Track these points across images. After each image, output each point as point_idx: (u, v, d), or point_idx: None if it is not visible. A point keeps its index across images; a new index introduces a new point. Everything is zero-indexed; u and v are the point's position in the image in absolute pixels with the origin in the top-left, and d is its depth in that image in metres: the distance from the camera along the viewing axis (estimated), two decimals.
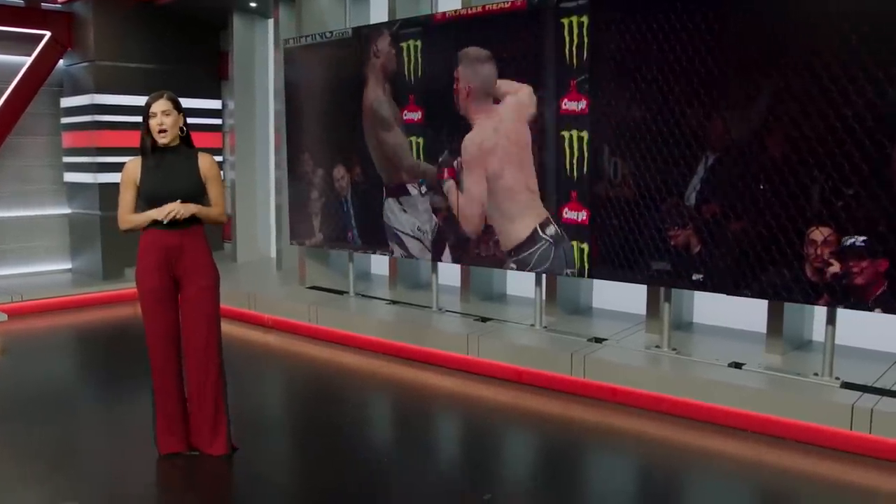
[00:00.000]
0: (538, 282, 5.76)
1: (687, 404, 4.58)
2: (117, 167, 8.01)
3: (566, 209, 5.21)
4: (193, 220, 3.76)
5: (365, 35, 6.38)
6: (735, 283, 4.57)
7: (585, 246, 5.16)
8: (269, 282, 8.00)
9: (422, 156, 6.03)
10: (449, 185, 5.87)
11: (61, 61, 8.71)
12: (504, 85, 5.47)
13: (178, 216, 3.66)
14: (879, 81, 3.93)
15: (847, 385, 4.38)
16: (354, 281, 7.13)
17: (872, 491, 3.78)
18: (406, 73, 6.06)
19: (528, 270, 5.56)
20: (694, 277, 4.73)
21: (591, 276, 5.19)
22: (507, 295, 6.83)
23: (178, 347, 3.86)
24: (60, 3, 8.54)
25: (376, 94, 6.34)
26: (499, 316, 6.10)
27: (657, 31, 4.66)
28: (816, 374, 4.52)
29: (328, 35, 6.69)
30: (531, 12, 5.25)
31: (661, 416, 4.61)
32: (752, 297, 4.62)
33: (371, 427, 4.84)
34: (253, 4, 8.60)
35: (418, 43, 5.93)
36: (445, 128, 5.84)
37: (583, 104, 5.03)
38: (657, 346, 5.16)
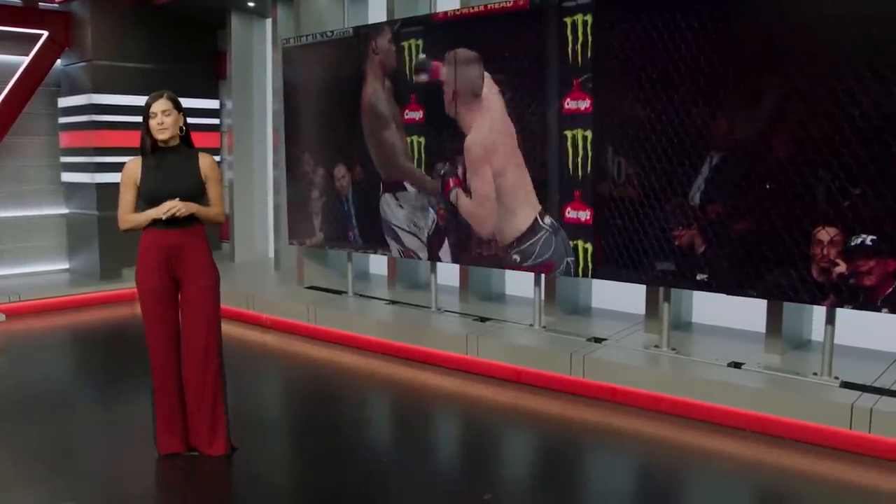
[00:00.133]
0: (537, 281, 5.76)
1: (686, 404, 4.58)
2: (115, 167, 8.13)
3: (569, 208, 5.20)
4: (194, 219, 3.76)
5: (364, 34, 6.38)
6: (739, 283, 4.55)
7: (589, 246, 5.14)
8: (267, 282, 7.99)
9: (423, 155, 6.01)
10: (456, 193, 5.85)
11: (59, 61, 8.69)
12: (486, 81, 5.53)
13: (178, 214, 3.65)
14: (886, 80, 3.92)
15: (846, 385, 4.39)
16: (353, 281, 7.12)
17: (872, 490, 3.77)
18: (407, 72, 6.05)
19: (532, 263, 5.47)
20: (698, 277, 4.71)
21: (594, 276, 5.17)
22: (505, 295, 6.82)
23: (178, 347, 3.85)
24: (58, 3, 8.52)
25: (375, 90, 6.34)
26: (498, 316, 6.09)
27: (661, 30, 4.64)
28: (816, 374, 4.52)
29: (329, 34, 6.69)
30: (533, 11, 5.23)
31: (661, 415, 4.61)
32: (758, 297, 4.61)
33: (370, 427, 4.84)
34: (251, 4, 8.59)
35: (420, 42, 5.92)
36: (447, 127, 5.83)
37: (586, 103, 5.02)
38: (656, 346, 5.16)
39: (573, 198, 5.17)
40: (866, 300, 4.13)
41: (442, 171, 5.92)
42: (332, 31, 6.70)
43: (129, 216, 3.75)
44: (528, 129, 5.35)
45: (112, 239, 8.26)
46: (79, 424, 4.64)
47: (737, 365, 4.76)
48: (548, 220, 5.34)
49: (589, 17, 4.95)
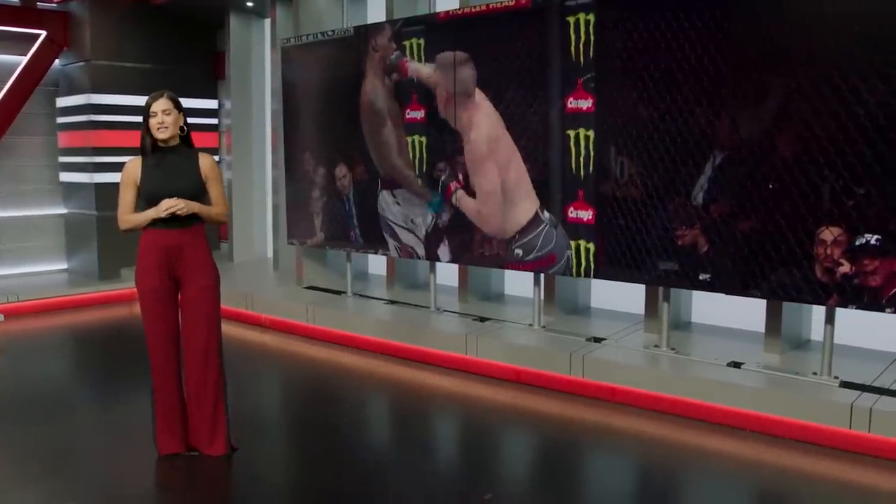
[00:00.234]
0: (537, 281, 5.76)
1: (686, 403, 4.58)
2: (114, 167, 8.14)
3: (572, 208, 5.19)
4: (194, 219, 3.75)
5: (364, 34, 6.37)
6: (743, 283, 4.54)
7: (591, 245, 5.13)
8: (266, 282, 7.99)
9: (424, 155, 6.01)
10: (457, 196, 5.85)
11: (57, 61, 8.68)
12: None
13: (179, 212, 3.64)
14: (891, 80, 3.91)
15: (846, 384, 4.39)
16: (352, 281, 7.12)
17: (872, 490, 3.78)
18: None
19: (534, 257, 5.45)
20: (701, 277, 4.69)
21: (597, 276, 5.16)
22: (504, 295, 6.82)
23: (178, 347, 3.85)
24: (56, 3, 8.51)
25: (374, 87, 6.34)
26: (497, 316, 6.09)
27: (664, 29, 4.62)
28: (815, 374, 4.52)
29: (330, 34, 6.68)
30: (536, 10, 5.22)
31: (660, 415, 4.61)
32: (762, 297, 4.61)
33: (369, 427, 4.83)
34: (249, 4, 8.59)
35: (421, 41, 5.91)
36: (448, 127, 5.83)
37: (589, 103, 5.01)
38: (656, 346, 5.16)
39: (576, 197, 5.16)
40: (871, 300, 4.11)
41: (442, 178, 5.92)
42: (332, 31, 6.69)
43: (128, 216, 3.74)
44: (531, 129, 5.34)
45: (111, 239, 8.27)
46: (78, 425, 4.63)
47: (736, 364, 4.76)
48: (548, 213, 5.34)
49: (591, 17, 4.93)
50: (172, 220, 3.67)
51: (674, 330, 5.30)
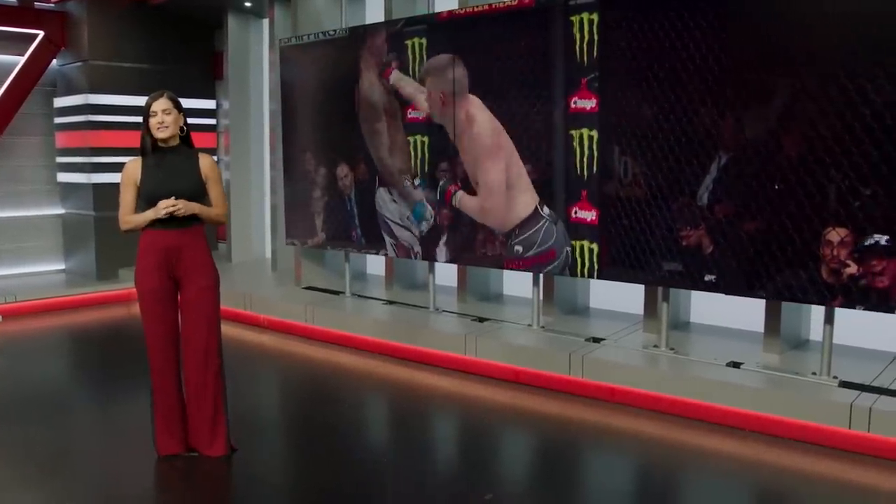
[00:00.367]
0: (536, 281, 5.75)
1: (685, 404, 4.57)
2: (111, 167, 8.14)
3: (576, 208, 5.17)
4: (194, 219, 3.74)
5: (363, 34, 6.37)
6: (749, 284, 4.52)
7: (595, 246, 5.11)
8: (264, 282, 7.98)
9: (427, 155, 5.99)
10: (459, 196, 5.83)
11: (55, 61, 8.67)
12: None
13: (178, 213, 3.63)
14: None
15: (845, 384, 4.39)
16: (350, 281, 7.11)
17: (871, 489, 3.78)
18: (411, 71, 6.03)
19: (534, 252, 5.44)
20: (706, 278, 4.67)
21: (600, 276, 5.14)
22: (503, 295, 6.81)
23: (178, 348, 3.84)
24: (54, 3, 8.49)
25: (370, 84, 6.34)
26: (496, 316, 6.09)
27: (669, 29, 4.60)
28: (814, 374, 4.52)
29: (331, 33, 6.66)
30: (539, 10, 5.20)
31: (660, 415, 4.61)
32: (767, 298, 4.59)
33: (368, 427, 4.83)
34: (248, 4, 8.58)
35: (423, 41, 5.90)
36: (447, 126, 5.82)
37: (593, 103, 4.99)
38: (655, 346, 5.16)
39: (579, 198, 5.14)
40: (879, 301, 4.09)
41: (440, 184, 5.91)
42: (335, 31, 6.68)
43: (128, 217, 3.73)
44: (534, 129, 5.31)
45: (108, 239, 8.26)
46: (76, 425, 4.62)
47: (735, 364, 4.76)
48: (547, 209, 5.33)
49: (595, 16, 4.91)
50: (172, 220, 3.66)
51: (673, 330, 5.30)
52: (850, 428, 4.08)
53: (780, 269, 4.38)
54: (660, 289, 5.14)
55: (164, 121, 3.65)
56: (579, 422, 4.68)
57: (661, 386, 4.70)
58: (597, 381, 4.94)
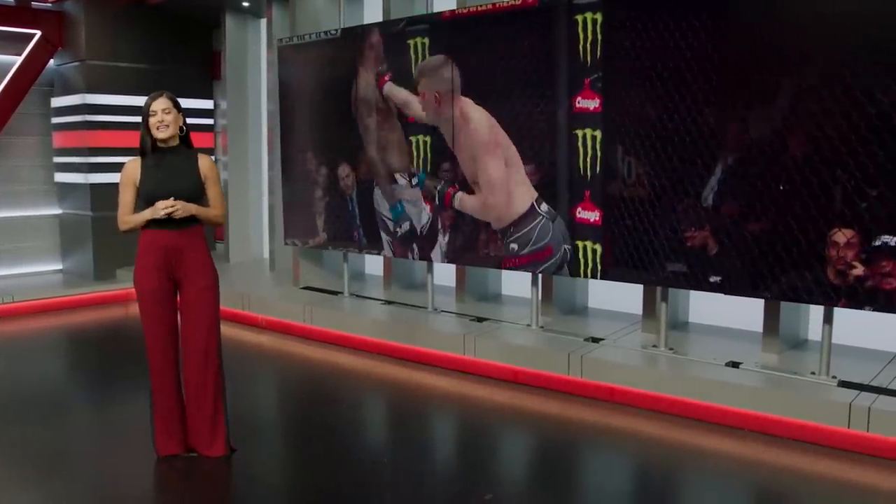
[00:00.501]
0: (534, 281, 5.75)
1: (684, 403, 4.58)
2: (109, 167, 8.12)
3: (579, 209, 5.15)
4: (193, 219, 3.73)
5: (362, 34, 6.36)
6: (753, 285, 4.50)
7: (598, 247, 5.09)
8: (262, 282, 7.97)
9: (429, 154, 5.98)
10: (458, 197, 5.82)
11: (52, 61, 8.65)
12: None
13: (175, 215, 3.62)
14: None
15: (844, 384, 4.39)
16: (349, 281, 7.10)
17: (871, 489, 3.78)
18: (413, 70, 6.02)
19: (530, 250, 5.43)
20: (711, 280, 4.65)
21: (604, 277, 5.12)
22: (502, 295, 6.81)
23: (177, 349, 3.83)
24: (51, 3, 8.48)
25: (367, 83, 6.35)
26: (494, 316, 6.08)
27: (673, 28, 4.57)
28: (813, 373, 4.53)
29: (332, 33, 6.65)
30: (542, 9, 5.18)
31: (659, 415, 4.61)
32: (772, 299, 4.58)
33: (366, 427, 4.83)
34: (246, 4, 8.56)
35: (426, 40, 5.89)
36: (445, 126, 5.82)
37: (596, 103, 4.97)
38: (654, 346, 5.16)
39: (583, 198, 5.12)
40: (887, 302, 4.07)
41: (437, 187, 5.91)
42: (336, 30, 6.67)
43: (126, 217, 3.71)
44: (536, 129, 5.29)
45: (106, 239, 8.25)
46: (75, 426, 4.61)
47: (734, 364, 4.76)
48: (544, 206, 5.32)
49: (599, 16, 4.89)
50: (171, 220, 3.65)
51: (672, 330, 5.30)
52: (849, 427, 4.08)
53: (786, 271, 4.35)
54: (658, 289, 5.14)
55: (164, 120, 3.64)
56: (578, 422, 4.68)
57: (660, 386, 4.70)
58: (596, 381, 4.94)
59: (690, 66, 4.54)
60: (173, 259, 3.71)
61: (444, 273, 6.60)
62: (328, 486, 3.70)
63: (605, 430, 4.55)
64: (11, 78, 8.21)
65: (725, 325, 5.54)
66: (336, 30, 6.70)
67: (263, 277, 8.24)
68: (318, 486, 3.73)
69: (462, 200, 5.79)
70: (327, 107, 6.76)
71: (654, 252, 4.86)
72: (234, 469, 3.86)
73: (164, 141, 3.69)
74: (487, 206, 5.64)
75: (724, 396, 4.46)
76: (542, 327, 5.73)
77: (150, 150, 3.71)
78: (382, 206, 6.41)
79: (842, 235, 4.14)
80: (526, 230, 5.44)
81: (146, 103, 3.66)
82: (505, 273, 6.62)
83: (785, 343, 4.98)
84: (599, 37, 4.90)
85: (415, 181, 6.11)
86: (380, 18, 6.78)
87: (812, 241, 4.24)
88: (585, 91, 5.01)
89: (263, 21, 8.84)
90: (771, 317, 4.94)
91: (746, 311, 5.07)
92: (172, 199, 3.63)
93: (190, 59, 9.14)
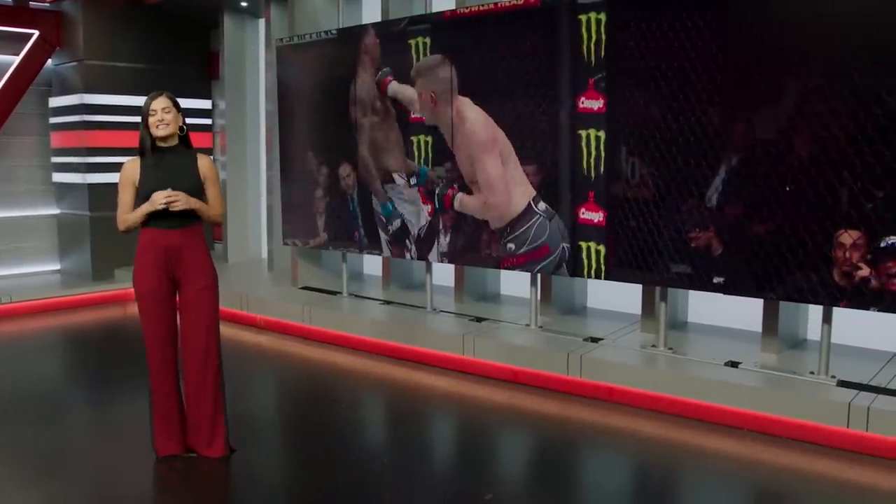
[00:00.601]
0: (533, 281, 5.75)
1: (684, 403, 4.58)
2: (107, 167, 8.11)
3: (583, 209, 5.13)
4: (193, 219, 3.73)
5: (361, 33, 6.36)
6: (758, 286, 4.48)
7: (602, 248, 5.07)
8: (260, 282, 7.96)
9: (430, 154, 5.98)
10: (458, 198, 5.82)
11: (50, 61, 8.63)
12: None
13: (175, 206, 3.61)
14: None
15: (843, 383, 4.39)
16: (347, 281, 7.09)
17: (870, 489, 3.78)
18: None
19: (527, 249, 5.43)
20: (715, 281, 4.63)
21: (607, 278, 5.11)
22: (500, 295, 6.81)
23: (176, 349, 3.82)
24: (49, 2, 8.46)
25: (363, 82, 6.34)
26: (493, 316, 6.08)
27: (678, 29, 4.55)
28: (812, 373, 4.53)
29: (333, 33, 6.65)
30: (545, 9, 5.16)
31: (658, 415, 4.61)
32: (777, 299, 4.58)
33: (365, 428, 4.82)
34: (244, 4, 8.55)
35: (427, 40, 5.88)
36: (442, 126, 5.81)
37: (600, 103, 4.94)
38: (653, 346, 5.16)
39: (586, 199, 5.10)
40: (893, 303, 4.05)
41: (437, 190, 5.91)
42: (336, 30, 6.66)
43: (125, 216, 3.71)
44: (539, 129, 5.27)
45: (104, 239, 8.24)
46: (74, 426, 4.60)
47: (733, 364, 4.76)
48: (542, 205, 5.31)
49: (603, 16, 4.86)
50: (171, 219, 3.65)
51: (671, 330, 5.30)
52: (848, 427, 4.09)
53: (791, 272, 4.33)
54: (657, 289, 5.14)
55: (164, 119, 3.63)
56: (578, 421, 4.68)
57: (659, 385, 4.70)
58: (595, 381, 4.94)
59: (695, 66, 4.52)
60: (173, 258, 3.70)
61: (443, 273, 6.60)
62: (327, 487, 3.70)
63: (604, 429, 4.55)
64: (9, 78, 8.19)
65: (724, 325, 5.54)
66: (336, 30, 6.69)
67: (262, 277, 8.23)
68: (317, 486, 3.73)
69: (462, 201, 5.78)
70: (327, 107, 6.75)
71: (658, 253, 4.84)
72: (233, 469, 3.85)
73: (163, 140, 3.69)
74: (489, 206, 5.62)
75: (724, 396, 4.46)
76: (541, 327, 5.73)
77: (149, 149, 3.70)
78: (376, 203, 6.41)
79: (848, 237, 4.12)
80: (523, 229, 5.44)
81: (146, 103, 3.66)
82: (504, 273, 6.62)
83: (784, 343, 4.98)
84: (603, 37, 4.88)
85: (413, 181, 6.11)
86: (378, 18, 6.78)
87: (818, 242, 4.21)
88: (589, 91, 4.99)
89: (262, 21, 8.83)
90: (770, 316, 4.94)
91: (745, 311, 5.07)
92: (170, 189, 3.61)
93: (188, 59, 9.12)
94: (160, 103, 3.64)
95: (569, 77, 5.09)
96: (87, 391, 5.46)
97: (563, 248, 5.25)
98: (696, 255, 4.68)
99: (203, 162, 3.79)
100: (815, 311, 4.86)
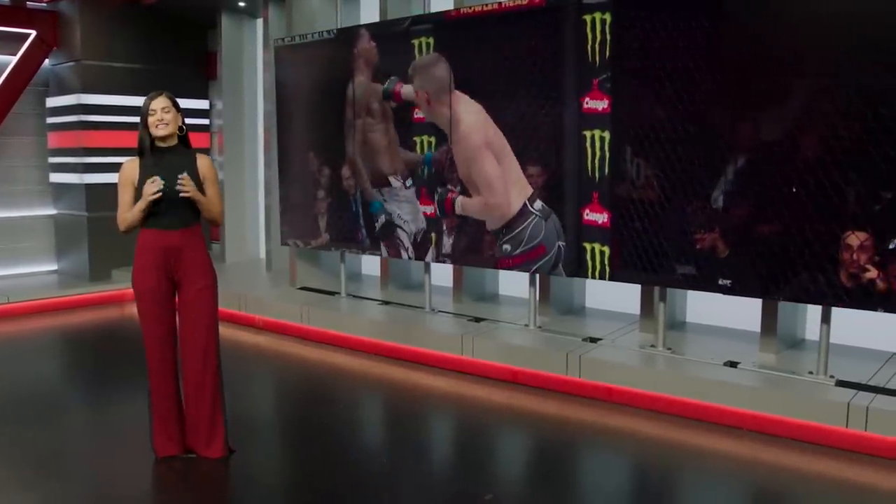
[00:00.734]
0: (532, 281, 5.74)
1: (683, 403, 4.58)
2: (104, 168, 8.11)
3: (587, 210, 5.11)
4: (192, 219, 3.73)
5: (361, 33, 6.35)
6: (764, 288, 4.46)
7: (606, 249, 5.05)
8: (258, 283, 7.95)
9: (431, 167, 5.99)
10: (459, 201, 5.81)
11: (47, 61, 8.61)
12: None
13: (185, 191, 3.59)
14: None
15: (842, 383, 4.40)
16: (345, 281, 7.08)
17: (869, 488, 3.79)
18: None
19: (522, 250, 5.43)
20: (721, 282, 4.61)
21: (611, 279, 5.09)
22: (499, 295, 6.81)
23: (175, 349, 3.81)
24: (46, 2, 8.45)
25: (359, 83, 6.35)
26: (492, 316, 6.08)
27: (684, 28, 4.53)
28: (811, 373, 4.53)
29: (334, 32, 6.64)
30: (550, 9, 5.14)
31: (657, 415, 4.61)
32: (783, 300, 4.58)
33: (364, 428, 4.82)
34: (241, 4, 8.54)
35: (430, 40, 5.87)
36: (439, 125, 5.82)
37: (605, 104, 4.92)
38: (652, 346, 5.16)
39: (591, 200, 5.09)
40: None
41: (436, 194, 5.90)
42: (335, 30, 6.66)
43: (125, 215, 3.70)
44: (542, 130, 5.25)
45: (101, 240, 8.23)
46: (72, 427, 4.59)
47: (732, 364, 4.76)
48: (538, 204, 5.30)
49: (608, 16, 4.84)
50: (171, 220, 3.65)
51: (669, 330, 5.31)
52: (847, 427, 4.09)
53: (798, 273, 4.31)
54: (656, 289, 5.14)
55: (163, 118, 3.63)
56: (577, 422, 4.67)
57: (658, 385, 4.70)
58: (594, 381, 4.94)
59: (700, 67, 4.50)
60: (172, 259, 3.69)
61: (442, 273, 6.59)
62: (326, 487, 3.69)
63: (603, 429, 4.55)
64: (6, 78, 8.17)
65: (723, 325, 5.54)
66: (337, 30, 6.68)
67: (260, 278, 8.22)
68: (316, 486, 3.72)
69: (463, 204, 5.77)
70: (328, 107, 6.72)
71: (663, 254, 4.82)
72: (231, 470, 3.85)
73: (162, 140, 3.68)
74: (489, 207, 5.62)
75: (722, 396, 4.47)
76: (539, 327, 5.73)
77: (148, 149, 3.70)
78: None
79: (855, 238, 4.11)
80: (518, 230, 5.44)
81: (145, 102, 3.65)
82: (502, 273, 6.62)
83: (783, 343, 4.99)
84: (608, 37, 4.86)
85: (408, 183, 6.10)
86: (377, 19, 6.78)
87: (825, 243, 4.19)
88: (594, 92, 4.97)
89: (259, 21, 8.82)
90: (769, 316, 4.94)
91: (744, 311, 5.08)
92: (170, 194, 3.61)
93: (185, 59, 9.11)
94: (160, 103, 3.64)
95: (573, 77, 5.07)
96: (84, 392, 5.44)
97: (559, 247, 5.25)
98: (702, 256, 4.66)
99: (202, 162, 3.79)
100: (813, 311, 4.86)
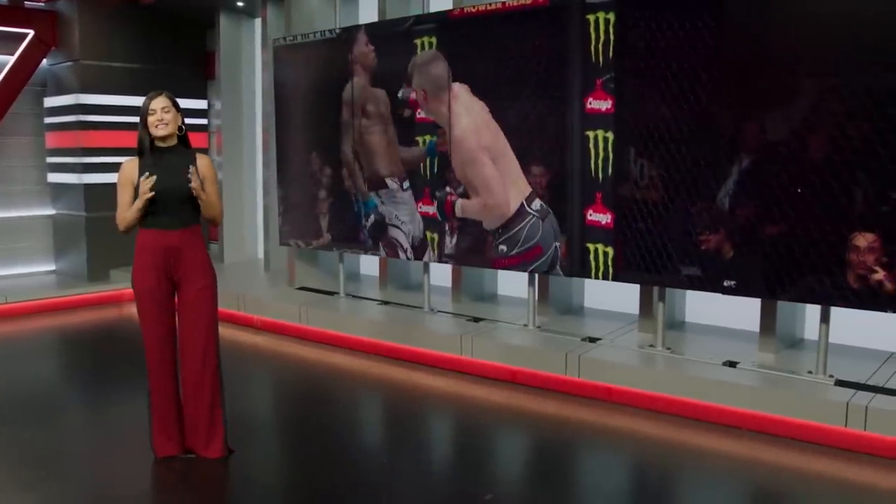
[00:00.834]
0: (531, 281, 5.74)
1: (682, 403, 4.58)
2: (102, 168, 8.10)
3: (591, 211, 5.10)
4: (191, 219, 3.72)
5: (360, 33, 6.34)
6: (770, 289, 4.45)
7: (609, 250, 5.03)
8: (257, 283, 7.94)
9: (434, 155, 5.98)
10: (459, 204, 5.80)
11: (45, 60, 8.59)
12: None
13: (193, 184, 3.59)
14: None
15: (841, 383, 4.40)
16: (344, 281, 7.08)
17: (869, 488, 3.79)
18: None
19: (518, 251, 5.42)
20: (726, 284, 4.60)
21: (615, 279, 5.08)
22: (498, 295, 6.81)
23: (175, 349, 3.81)
24: (44, 2, 8.44)
25: (357, 83, 6.34)
26: (491, 316, 6.08)
27: (689, 28, 4.52)
28: (810, 372, 4.53)
29: (336, 32, 6.63)
30: (553, 9, 5.13)
31: (656, 414, 4.61)
32: (788, 300, 4.58)
33: (362, 428, 4.82)
34: (240, 4, 8.54)
35: (433, 40, 5.86)
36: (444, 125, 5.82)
37: (608, 104, 4.91)
38: (651, 346, 5.16)
39: (594, 200, 5.07)
40: None
41: (436, 196, 5.90)
42: (338, 29, 6.65)
43: (123, 215, 3.69)
44: (546, 130, 5.24)
45: (100, 240, 8.22)
46: (71, 427, 4.59)
47: (731, 364, 4.77)
48: (536, 204, 5.30)
49: (612, 15, 4.83)
50: (170, 220, 3.65)
51: (669, 329, 5.31)
52: (846, 426, 4.09)
53: (804, 275, 4.30)
54: (655, 288, 5.14)
55: (163, 118, 3.63)
56: (576, 422, 4.67)
57: (657, 385, 4.70)
58: (593, 381, 4.94)
59: (705, 66, 4.49)
60: (172, 259, 3.69)
61: (441, 273, 6.59)
62: (325, 487, 3.69)
63: (602, 429, 4.55)
64: (4, 78, 8.15)
65: (722, 325, 5.54)
66: (338, 29, 6.67)
67: (258, 278, 8.22)
68: (315, 486, 3.72)
69: (463, 206, 5.77)
70: (328, 107, 6.71)
71: (667, 255, 4.81)
72: (230, 470, 3.84)
73: (162, 140, 3.68)
74: (488, 208, 5.61)
75: (722, 396, 4.47)
76: (538, 327, 5.72)
77: (148, 149, 3.69)
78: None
79: (863, 239, 4.09)
80: (515, 230, 5.43)
81: (145, 102, 3.65)
82: (501, 273, 6.61)
83: (782, 342, 4.99)
84: (612, 37, 4.84)
85: (406, 185, 6.10)
86: (375, 18, 6.77)
87: (832, 244, 4.18)
88: (597, 92, 4.96)
89: (258, 21, 8.80)
90: (768, 316, 4.95)
91: (743, 311, 5.08)
92: (169, 193, 3.61)
93: (184, 59, 9.10)
94: (159, 103, 3.63)
95: (577, 77, 5.05)
96: (83, 392, 5.44)
97: (556, 247, 5.25)
98: (707, 257, 4.64)
99: (202, 162, 3.78)
100: (812, 311, 4.87)
